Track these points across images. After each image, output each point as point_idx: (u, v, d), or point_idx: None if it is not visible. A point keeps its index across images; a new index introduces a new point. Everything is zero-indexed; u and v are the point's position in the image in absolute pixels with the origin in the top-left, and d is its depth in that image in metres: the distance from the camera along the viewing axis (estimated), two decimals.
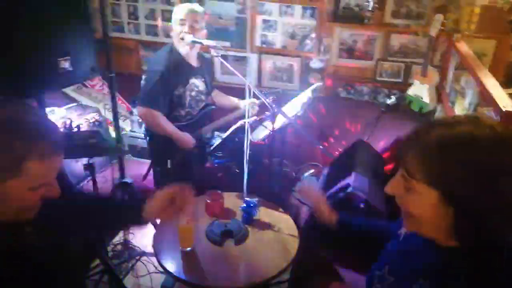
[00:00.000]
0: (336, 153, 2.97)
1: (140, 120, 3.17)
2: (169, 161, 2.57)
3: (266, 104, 2.30)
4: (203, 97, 2.65)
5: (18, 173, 0.93)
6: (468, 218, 0.82)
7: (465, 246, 0.85)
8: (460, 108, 2.47)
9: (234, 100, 2.81)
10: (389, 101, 3.23)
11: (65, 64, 1.95)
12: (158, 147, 2.59)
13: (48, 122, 1.01)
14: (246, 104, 2.56)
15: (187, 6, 2.45)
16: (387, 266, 1.06)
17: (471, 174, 0.79)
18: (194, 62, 2.55)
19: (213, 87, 2.85)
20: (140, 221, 1.38)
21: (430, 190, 0.84)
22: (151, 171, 2.82)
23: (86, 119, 3.08)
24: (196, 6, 2.48)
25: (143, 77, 2.52)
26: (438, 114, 2.94)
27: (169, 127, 2.48)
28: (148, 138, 2.67)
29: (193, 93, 2.57)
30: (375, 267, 1.11)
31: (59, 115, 2.97)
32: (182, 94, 2.51)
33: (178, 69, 2.45)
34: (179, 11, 2.42)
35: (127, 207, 1.48)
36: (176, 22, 2.42)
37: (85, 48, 2.03)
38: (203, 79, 2.63)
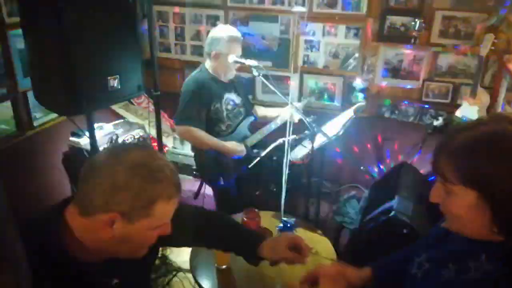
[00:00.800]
0: (379, 175, 2.88)
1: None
2: (221, 177, 2.64)
3: (306, 123, 2.29)
4: (241, 109, 2.74)
5: (148, 214, 0.97)
6: (506, 212, 0.85)
7: (509, 240, 0.89)
8: None
9: (276, 111, 2.85)
10: (436, 123, 3.12)
11: (114, 83, 2.04)
12: (209, 164, 2.66)
13: (170, 165, 1.04)
14: (287, 112, 2.59)
15: (239, 39, 2.60)
16: (425, 254, 1.10)
17: (499, 168, 0.83)
18: (224, 78, 2.65)
19: (251, 102, 2.91)
20: (252, 258, 1.40)
21: (467, 190, 0.87)
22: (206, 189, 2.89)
23: (132, 135, 3.19)
24: (239, 35, 2.58)
25: (180, 97, 2.64)
26: None
27: (211, 139, 2.57)
28: (196, 156, 2.76)
29: (229, 107, 2.66)
30: (413, 254, 1.15)
31: (106, 131, 3.10)
32: (218, 108, 2.61)
33: (210, 86, 2.57)
34: (236, 47, 2.56)
35: (246, 237, 1.45)
36: (232, 58, 2.53)
37: (133, 67, 2.11)
38: (236, 93, 2.71)
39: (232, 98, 2.70)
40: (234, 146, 2.64)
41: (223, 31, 2.60)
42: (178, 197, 1.02)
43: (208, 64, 2.66)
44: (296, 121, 2.65)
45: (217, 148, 2.60)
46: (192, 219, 1.35)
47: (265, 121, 2.87)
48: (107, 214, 0.95)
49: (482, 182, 0.85)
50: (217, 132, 2.66)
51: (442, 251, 1.05)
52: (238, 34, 2.62)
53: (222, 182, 2.65)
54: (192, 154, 3.39)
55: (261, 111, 2.96)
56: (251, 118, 2.80)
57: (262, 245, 1.36)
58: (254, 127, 2.82)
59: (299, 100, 3.47)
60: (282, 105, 2.79)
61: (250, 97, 3.23)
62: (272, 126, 2.75)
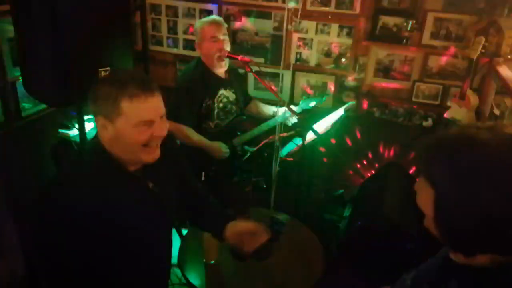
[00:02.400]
0: (368, 173, 2.91)
1: None
2: (203, 173, 2.60)
3: (297, 120, 2.30)
4: (234, 107, 2.68)
5: (120, 113, 1.17)
6: (444, 218, 0.84)
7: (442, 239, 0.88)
8: None
9: (271, 109, 2.82)
10: (425, 123, 3.16)
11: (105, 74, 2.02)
12: (193, 159, 2.62)
13: (139, 73, 1.29)
14: (281, 112, 2.57)
15: (213, 21, 2.50)
16: (414, 271, 1.09)
17: (446, 171, 0.82)
18: (221, 74, 2.60)
19: (247, 97, 2.87)
20: (218, 234, 1.59)
21: (427, 186, 0.87)
22: None
23: None
24: (218, 18, 2.54)
25: (173, 92, 2.56)
26: None
27: (197, 138, 2.51)
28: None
29: (221, 105, 2.60)
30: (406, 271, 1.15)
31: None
32: (210, 105, 2.54)
33: (206, 81, 2.50)
34: (209, 29, 2.46)
35: (219, 213, 1.67)
36: (208, 40, 2.46)
37: (125, 59, 2.10)
38: (232, 90, 2.66)
39: (226, 95, 2.64)
40: (221, 148, 2.59)
41: (198, 21, 2.56)
42: (143, 96, 1.18)
43: (202, 57, 2.61)
44: (290, 125, 2.64)
45: (203, 147, 2.55)
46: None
47: (259, 117, 2.84)
48: (98, 119, 1.22)
49: (435, 180, 0.85)
50: (204, 129, 2.59)
51: (424, 270, 1.04)
52: (212, 18, 2.54)
53: (203, 178, 2.60)
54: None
55: (257, 107, 2.90)
56: (242, 118, 2.75)
57: (226, 226, 1.57)
58: (247, 125, 2.78)
59: (292, 97, 3.47)
60: (274, 102, 2.77)
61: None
62: (263, 127, 2.70)
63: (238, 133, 2.72)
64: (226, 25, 2.56)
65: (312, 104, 2.68)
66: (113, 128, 1.20)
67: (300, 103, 2.73)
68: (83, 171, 1.27)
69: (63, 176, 1.32)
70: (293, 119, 2.57)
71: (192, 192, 1.68)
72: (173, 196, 1.48)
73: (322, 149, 2.84)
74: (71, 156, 1.33)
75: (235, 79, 2.72)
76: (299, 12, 3.15)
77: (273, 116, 2.73)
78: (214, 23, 2.49)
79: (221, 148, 2.57)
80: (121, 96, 1.17)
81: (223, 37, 2.48)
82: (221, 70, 2.57)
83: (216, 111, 2.59)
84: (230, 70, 2.66)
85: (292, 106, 2.53)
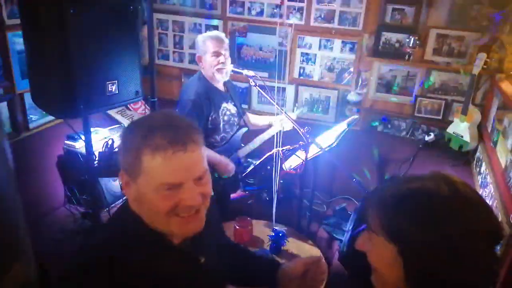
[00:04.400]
0: (370, 187, 2.91)
1: None
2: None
3: (300, 134, 2.32)
4: (236, 120, 2.72)
5: (140, 170, 0.92)
6: (416, 269, 0.79)
7: None
8: (502, 148, 2.38)
9: (267, 120, 2.87)
10: (427, 138, 3.16)
11: (112, 87, 2.06)
12: None
13: (168, 119, 0.97)
14: (278, 121, 2.61)
15: (216, 36, 2.56)
16: None
17: (416, 227, 0.78)
18: (221, 87, 2.65)
19: (244, 110, 2.92)
20: (274, 281, 1.27)
21: (387, 244, 0.82)
22: None
23: None
24: (221, 34, 2.60)
25: (178, 106, 2.61)
26: (479, 154, 2.84)
27: (208, 151, 2.54)
28: None
29: (226, 118, 2.65)
30: None
31: (102, 135, 3.12)
32: (216, 119, 2.59)
33: (209, 95, 2.54)
34: (211, 44, 2.52)
35: (265, 263, 1.37)
36: (209, 54, 2.52)
37: (132, 73, 2.14)
38: (233, 103, 2.71)
39: (228, 108, 2.69)
40: (229, 163, 2.60)
41: (200, 36, 2.62)
42: (170, 149, 0.90)
43: (203, 72, 2.65)
44: (288, 129, 2.67)
45: (212, 161, 2.56)
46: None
47: (256, 128, 2.87)
48: (121, 173, 0.98)
49: (400, 238, 0.80)
50: (211, 143, 2.62)
51: None
52: (214, 33, 2.62)
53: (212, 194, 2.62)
54: None
55: (252, 119, 2.95)
56: (244, 129, 2.78)
57: (279, 272, 1.27)
58: (246, 137, 2.82)
59: (293, 110, 3.51)
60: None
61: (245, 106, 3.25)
62: (265, 136, 2.74)
63: (242, 145, 2.76)
64: (228, 41, 2.62)
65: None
66: (136, 188, 0.95)
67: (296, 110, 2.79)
68: (116, 247, 0.98)
69: (94, 256, 0.99)
70: (290, 124, 2.60)
71: (232, 251, 1.38)
72: (222, 266, 1.21)
73: (330, 161, 2.86)
74: (99, 229, 1.07)
75: (232, 91, 2.77)
76: (292, 28, 3.21)
77: (270, 125, 2.78)
78: (217, 38, 2.55)
79: (229, 164, 2.59)
80: (143, 148, 0.91)
81: (225, 52, 2.55)
82: (220, 82, 2.63)
83: (221, 124, 2.63)
84: (226, 82, 2.72)
85: (289, 113, 2.59)
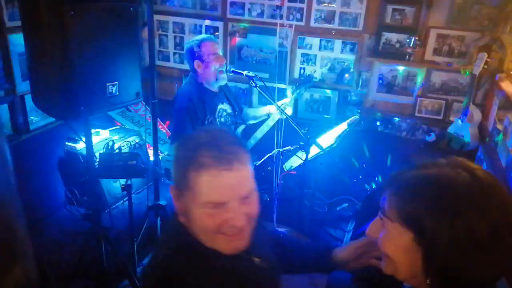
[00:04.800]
0: (371, 187, 2.91)
1: None
2: None
3: (300, 134, 2.32)
4: (233, 119, 2.72)
5: (187, 186, 0.93)
6: (437, 259, 0.78)
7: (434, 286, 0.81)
8: (503, 147, 2.38)
9: (264, 109, 2.86)
10: (428, 138, 3.16)
11: (113, 89, 2.06)
12: None
13: (220, 134, 0.97)
14: (275, 109, 2.61)
15: (210, 38, 2.57)
16: None
17: (437, 214, 0.77)
18: (215, 89, 2.64)
19: (240, 107, 2.90)
20: (329, 265, 1.27)
21: (403, 230, 0.81)
22: None
23: (128, 141, 3.21)
24: (212, 36, 2.59)
25: (172, 116, 2.57)
26: (480, 153, 2.83)
27: None
28: None
29: (222, 119, 2.64)
30: None
31: (103, 136, 3.12)
32: (213, 121, 2.57)
33: (203, 99, 2.53)
34: (210, 47, 2.50)
35: (314, 250, 1.36)
36: (210, 57, 2.50)
37: (132, 74, 2.14)
38: (227, 102, 2.70)
39: (224, 108, 2.68)
40: None
41: (192, 41, 2.57)
42: (215, 169, 0.89)
43: (196, 76, 2.59)
44: (289, 114, 2.65)
45: None
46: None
47: (256, 121, 2.86)
48: (171, 186, 1.00)
49: (418, 225, 0.79)
50: None
51: None
52: (207, 36, 2.61)
53: None
54: None
55: (251, 112, 2.93)
56: (242, 127, 2.77)
57: (334, 252, 1.27)
58: (246, 133, 2.81)
59: (295, 111, 3.50)
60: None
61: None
62: (265, 128, 2.70)
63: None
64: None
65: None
66: (184, 203, 0.97)
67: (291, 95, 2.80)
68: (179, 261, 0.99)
69: (161, 276, 0.98)
70: (288, 110, 2.63)
71: (280, 244, 1.36)
72: (276, 261, 1.18)
73: (325, 162, 2.86)
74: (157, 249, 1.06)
75: (226, 90, 2.76)
76: (293, 29, 3.21)
77: (269, 114, 2.77)
78: (212, 40, 2.55)
79: None
80: (190, 165, 0.91)
81: (220, 52, 2.56)
82: (221, 83, 2.61)
83: (219, 126, 2.62)
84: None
85: (282, 101, 2.59)
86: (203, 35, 2.66)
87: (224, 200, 0.91)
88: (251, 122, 2.87)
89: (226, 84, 2.83)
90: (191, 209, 0.94)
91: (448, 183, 0.78)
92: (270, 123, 2.70)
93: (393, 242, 0.84)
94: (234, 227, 0.94)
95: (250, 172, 0.96)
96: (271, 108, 2.78)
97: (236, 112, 2.76)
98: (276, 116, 2.69)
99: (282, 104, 2.68)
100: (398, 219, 0.82)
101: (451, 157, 0.85)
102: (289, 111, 2.70)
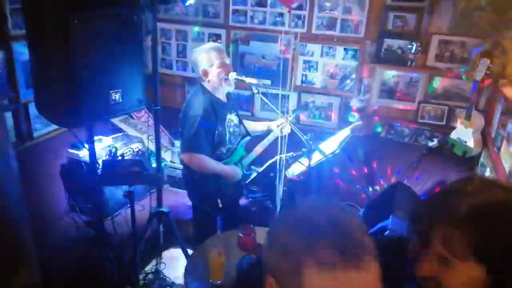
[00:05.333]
0: (374, 194, 2.90)
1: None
2: (218, 200, 2.62)
3: (303, 140, 2.32)
4: (238, 130, 2.73)
5: (299, 284, 0.71)
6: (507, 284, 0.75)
7: None
8: (507, 154, 2.37)
9: (265, 124, 2.86)
10: (431, 144, 3.16)
11: (116, 96, 2.07)
12: (209, 189, 2.63)
13: (346, 225, 0.73)
14: (276, 126, 2.61)
15: (217, 47, 2.58)
16: None
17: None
18: (224, 99, 2.64)
19: (241, 119, 2.91)
20: None
21: (475, 266, 0.75)
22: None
23: (130, 148, 3.22)
24: (219, 44, 2.60)
25: (185, 124, 2.54)
26: (483, 159, 2.83)
27: (217, 166, 2.54)
28: (197, 183, 2.71)
29: (231, 129, 2.64)
30: None
31: (105, 144, 3.13)
32: (222, 131, 2.57)
33: (215, 109, 2.51)
34: (215, 55, 2.51)
35: None
36: (216, 66, 2.50)
37: (135, 82, 2.15)
38: (235, 113, 2.70)
39: (232, 119, 2.67)
40: (236, 171, 2.63)
41: (199, 50, 2.58)
42: (340, 268, 0.68)
43: (205, 85, 2.59)
44: (287, 133, 2.68)
45: (220, 172, 2.57)
46: None
47: (255, 135, 2.86)
48: (267, 277, 0.77)
49: (490, 257, 0.74)
50: (218, 156, 2.59)
51: None
52: (214, 45, 2.62)
53: (220, 205, 2.63)
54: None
55: (250, 125, 2.93)
56: (248, 138, 2.77)
57: None
58: (248, 146, 2.82)
59: (297, 118, 3.51)
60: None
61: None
62: (266, 143, 2.72)
63: (246, 153, 2.75)
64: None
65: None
66: None
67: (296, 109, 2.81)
68: None
69: None
70: (288, 128, 2.65)
71: None
72: None
73: (334, 168, 2.86)
74: None
75: (233, 101, 2.77)
76: (298, 36, 3.23)
77: (269, 130, 2.77)
78: (219, 49, 2.56)
79: (237, 170, 2.60)
80: (307, 259, 0.69)
81: (228, 61, 2.56)
82: (223, 94, 2.61)
83: (227, 136, 2.62)
84: (229, 93, 2.71)
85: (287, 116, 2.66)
86: (210, 44, 2.67)
87: None
88: (251, 134, 2.89)
89: (232, 94, 2.84)
90: None
91: (509, 208, 0.76)
92: (271, 138, 2.71)
93: (462, 281, 0.77)
94: None
95: (378, 268, 0.72)
96: (271, 125, 2.78)
97: (241, 124, 2.77)
98: (277, 132, 2.69)
99: (282, 123, 2.68)
100: (470, 256, 0.75)
101: (469, 175, 0.81)
102: (287, 129, 2.68)
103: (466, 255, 0.75)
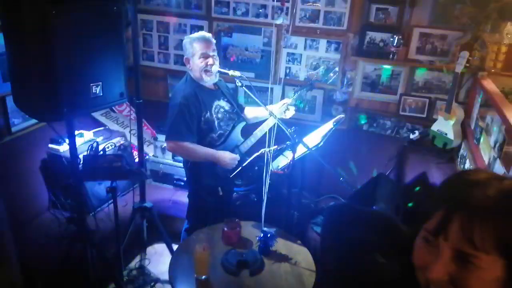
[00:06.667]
0: (357, 186, 2.93)
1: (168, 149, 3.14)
2: (219, 188, 2.61)
3: (287, 133, 2.32)
4: (232, 115, 2.71)
5: None
6: None
7: None
8: (485, 145, 2.42)
9: (264, 110, 2.83)
10: (412, 136, 3.21)
11: (96, 89, 2.03)
12: (209, 176, 2.61)
13: None
14: (279, 107, 2.61)
15: (203, 38, 2.56)
16: None
17: None
18: (211, 86, 2.65)
19: (240, 106, 2.89)
20: None
21: (497, 259, 0.66)
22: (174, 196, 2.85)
23: (112, 143, 3.17)
24: (207, 35, 2.59)
25: (168, 112, 2.57)
26: (463, 151, 2.89)
27: (204, 150, 2.54)
28: (190, 171, 2.70)
29: (220, 115, 2.64)
30: None
31: (86, 138, 3.07)
32: (209, 118, 2.58)
33: (198, 96, 2.54)
34: (199, 45, 2.52)
35: None
36: (197, 56, 2.51)
37: (116, 74, 2.11)
38: (226, 99, 2.70)
39: (222, 105, 2.67)
40: (231, 156, 2.60)
41: (187, 37, 2.61)
42: None
43: (191, 73, 2.65)
44: (289, 116, 2.71)
45: (211, 158, 2.56)
46: None
47: (257, 121, 2.84)
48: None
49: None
50: (209, 142, 2.61)
51: None
52: (201, 34, 2.60)
53: (221, 193, 2.62)
54: (174, 162, 3.38)
55: (252, 112, 2.91)
56: (243, 123, 2.76)
57: None
58: (245, 131, 2.79)
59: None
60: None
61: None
62: (264, 127, 2.68)
63: (242, 139, 2.73)
64: (215, 41, 2.61)
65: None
66: None
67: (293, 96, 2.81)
68: None
69: None
70: (291, 112, 2.70)
71: None
72: None
73: (312, 161, 2.87)
74: None
75: (224, 89, 2.76)
76: (290, 28, 3.22)
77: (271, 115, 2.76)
78: (205, 40, 2.54)
79: (229, 156, 2.57)
80: None
81: (213, 53, 2.54)
82: (209, 83, 2.61)
83: (216, 122, 2.63)
84: (217, 82, 2.70)
85: (283, 101, 2.70)
86: (200, 33, 2.64)
87: None
88: (252, 121, 2.87)
89: (224, 83, 2.82)
90: None
91: None
92: (270, 122, 2.68)
93: (484, 278, 0.68)
94: None
95: None
96: (273, 108, 2.77)
97: (235, 110, 2.75)
98: (278, 116, 2.67)
99: (284, 104, 2.68)
100: (495, 249, 0.66)
101: (483, 171, 0.74)
102: (291, 111, 2.72)
103: (492, 248, 0.66)
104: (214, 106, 2.62)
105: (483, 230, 0.65)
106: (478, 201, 0.67)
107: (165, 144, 2.74)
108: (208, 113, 2.58)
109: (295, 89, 2.91)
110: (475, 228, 0.66)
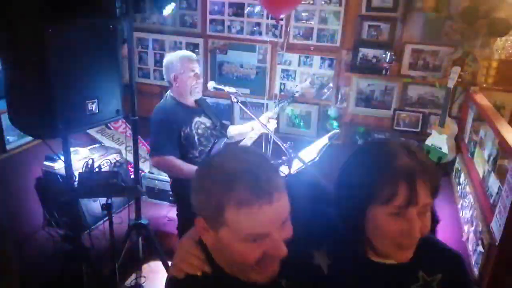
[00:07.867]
0: None
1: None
2: None
3: (283, 149, 2.33)
4: (213, 132, 2.72)
5: (224, 223, 0.87)
6: None
7: None
8: (480, 159, 2.44)
9: (249, 126, 2.86)
10: None
11: (92, 107, 2.04)
12: (188, 191, 2.60)
13: (255, 168, 0.87)
14: (258, 124, 2.63)
15: (193, 56, 2.63)
16: None
17: None
18: (191, 104, 2.68)
19: (223, 124, 2.91)
20: None
21: (431, 200, 0.95)
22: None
23: (108, 160, 3.16)
24: (193, 54, 2.65)
25: (150, 130, 2.61)
26: (458, 164, 2.90)
27: (189, 166, 2.53)
28: (174, 190, 2.70)
29: (200, 131, 2.65)
30: None
31: (82, 155, 3.07)
32: (189, 133, 2.59)
33: (177, 112, 2.58)
34: (189, 64, 2.57)
35: None
36: (187, 74, 2.57)
37: (112, 91, 2.12)
38: (207, 116, 2.72)
39: (202, 121, 2.68)
40: None
41: (173, 55, 2.65)
42: (256, 203, 0.83)
43: (171, 91, 2.67)
44: (272, 129, 2.70)
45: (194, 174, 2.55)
46: None
47: (241, 138, 2.86)
48: (198, 220, 0.93)
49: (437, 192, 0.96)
50: (190, 159, 2.61)
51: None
52: (189, 53, 2.68)
53: None
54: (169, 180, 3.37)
55: (234, 129, 2.94)
56: (224, 139, 2.78)
57: None
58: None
59: (277, 126, 3.52)
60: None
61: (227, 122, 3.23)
62: (248, 142, 2.71)
63: None
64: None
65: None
66: (216, 237, 0.91)
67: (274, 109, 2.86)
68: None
69: None
70: (272, 125, 2.72)
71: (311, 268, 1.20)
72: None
73: (307, 177, 2.87)
74: None
75: (204, 105, 2.79)
76: (285, 45, 3.26)
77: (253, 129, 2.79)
78: (192, 58, 2.62)
79: None
80: (226, 201, 0.85)
81: (199, 70, 2.60)
82: (192, 100, 2.65)
83: (196, 137, 2.63)
84: (199, 100, 2.73)
85: (266, 114, 2.72)
86: (184, 51, 2.69)
87: (266, 232, 0.86)
88: (238, 138, 2.88)
89: (205, 100, 2.85)
90: (227, 245, 0.89)
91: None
92: (252, 136, 2.71)
93: (429, 217, 0.95)
94: (276, 256, 0.89)
95: (286, 196, 0.90)
96: (253, 124, 2.79)
97: (217, 127, 2.76)
98: (258, 130, 2.71)
99: (266, 117, 2.71)
100: (432, 194, 0.93)
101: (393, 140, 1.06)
102: (273, 123, 2.74)
103: (431, 193, 0.93)
104: (194, 122, 2.63)
105: (430, 184, 0.92)
106: (421, 167, 0.91)
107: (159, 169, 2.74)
108: (188, 129, 2.59)
109: (275, 102, 2.95)
110: (427, 185, 0.91)
